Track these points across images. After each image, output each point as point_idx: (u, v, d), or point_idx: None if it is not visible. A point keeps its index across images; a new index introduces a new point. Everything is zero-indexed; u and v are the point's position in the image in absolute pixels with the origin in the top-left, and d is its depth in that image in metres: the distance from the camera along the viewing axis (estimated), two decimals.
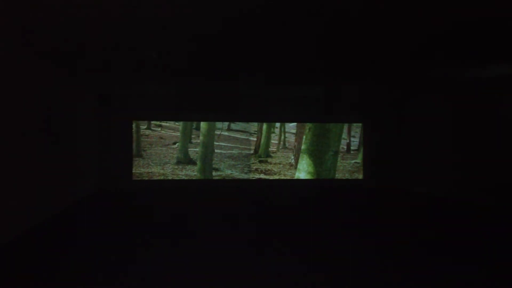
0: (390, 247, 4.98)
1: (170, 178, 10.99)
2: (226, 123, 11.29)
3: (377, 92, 10.49)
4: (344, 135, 11.56)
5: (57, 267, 4.13)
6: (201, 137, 11.23)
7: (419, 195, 9.80)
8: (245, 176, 11.27)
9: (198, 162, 11.17)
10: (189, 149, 11.17)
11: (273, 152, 11.44)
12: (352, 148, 11.60)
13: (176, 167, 11.08)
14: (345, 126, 11.53)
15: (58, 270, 4.03)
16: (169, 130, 11.14)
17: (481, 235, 5.69)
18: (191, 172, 11.13)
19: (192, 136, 11.22)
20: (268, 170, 11.40)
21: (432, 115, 9.95)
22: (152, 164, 11.01)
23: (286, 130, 11.49)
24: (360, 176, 11.48)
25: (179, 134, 11.17)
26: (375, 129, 11.27)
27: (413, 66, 6.95)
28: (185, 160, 11.14)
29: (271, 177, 11.33)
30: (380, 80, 8.43)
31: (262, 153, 11.38)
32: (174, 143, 11.13)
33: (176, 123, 11.14)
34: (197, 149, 11.19)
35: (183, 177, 11.07)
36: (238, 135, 11.35)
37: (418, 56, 6.15)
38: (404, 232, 5.86)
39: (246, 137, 11.37)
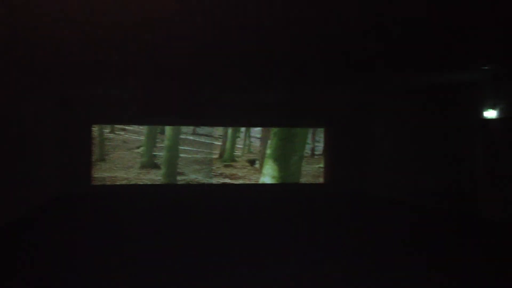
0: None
1: (133, 182, 10.89)
2: (191, 127, 11.25)
3: (339, 98, 10.66)
4: (309, 140, 11.68)
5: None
6: (165, 141, 11.17)
7: (379, 199, 9.98)
8: (210, 181, 11.26)
9: (162, 167, 11.10)
10: (153, 153, 11.09)
11: (238, 157, 11.48)
12: (316, 152, 11.74)
13: (140, 171, 10.99)
14: (310, 131, 11.65)
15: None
16: (133, 134, 11.05)
17: (435, 236, 5.88)
18: (155, 177, 11.06)
19: (157, 140, 11.15)
20: (233, 174, 11.42)
21: (391, 121, 10.16)
22: (116, 169, 10.89)
23: (251, 134, 11.53)
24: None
25: (143, 138, 11.09)
26: (336, 134, 11.43)
27: (373, 74, 7.12)
28: (150, 164, 11.06)
29: (236, 182, 11.35)
30: (343, 87, 8.58)
31: (227, 158, 11.40)
32: (138, 147, 11.05)
33: (141, 127, 11.05)
34: (162, 153, 11.13)
35: (147, 182, 10.98)
36: (203, 139, 11.34)
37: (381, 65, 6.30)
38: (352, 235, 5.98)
39: (211, 141, 11.35)
